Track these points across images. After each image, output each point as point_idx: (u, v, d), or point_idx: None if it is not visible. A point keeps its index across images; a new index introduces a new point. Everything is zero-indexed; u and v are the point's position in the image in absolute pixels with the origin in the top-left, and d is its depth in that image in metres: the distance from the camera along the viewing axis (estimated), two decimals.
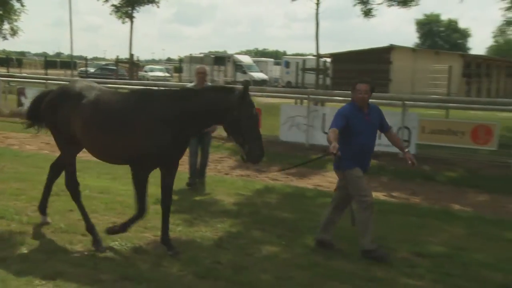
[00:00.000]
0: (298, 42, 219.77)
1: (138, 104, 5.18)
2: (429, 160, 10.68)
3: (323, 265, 5.18)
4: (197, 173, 8.33)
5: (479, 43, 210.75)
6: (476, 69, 38.61)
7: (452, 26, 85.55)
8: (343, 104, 5.73)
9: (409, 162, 5.40)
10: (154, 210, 6.02)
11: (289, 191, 8.60)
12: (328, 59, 39.15)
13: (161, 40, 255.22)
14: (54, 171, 6.12)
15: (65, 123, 5.46)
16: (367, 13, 18.38)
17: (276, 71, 47.32)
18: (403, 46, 40.90)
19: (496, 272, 5.16)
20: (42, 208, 6.08)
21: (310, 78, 26.07)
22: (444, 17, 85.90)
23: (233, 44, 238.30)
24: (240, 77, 40.56)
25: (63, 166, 5.91)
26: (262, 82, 38.66)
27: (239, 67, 43.10)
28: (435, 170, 10.19)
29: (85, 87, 5.56)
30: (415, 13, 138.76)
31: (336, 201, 5.66)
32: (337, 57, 39.94)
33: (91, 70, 40.92)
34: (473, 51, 74.52)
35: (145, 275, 4.72)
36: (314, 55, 31.05)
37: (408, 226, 6.65)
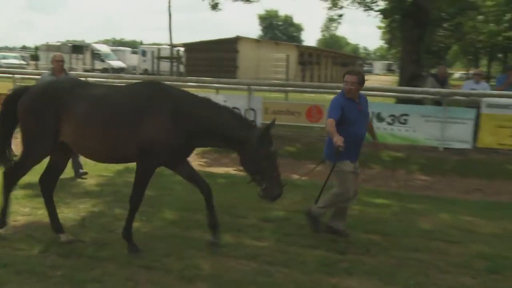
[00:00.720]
0: (154, 32, 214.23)
1: (158, 100, 4.48)
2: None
3: (181, 235, 5.19)
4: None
5: (311, 36, 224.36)
6: (308, 58, 41.05)
7: (288, 20, 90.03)
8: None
9: (378, 148, 5.91)
10: (12, 195, 5.52)
11: None
12: (182, 48, 38.90)
13: (15, 27, 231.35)
14: (47, 183, 4.97)
15: (53, 127, 4.49)
16: (214, 6, 18.47)
17: (133, 60, 45.61)
18: (248, 37, 42.00)
19: None
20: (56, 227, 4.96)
21: (165, 66, 25.76)
22: (282, 12, 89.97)
23: (91, 33, 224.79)
24: (98, 65, 38.64)
25: (57, 171, 4.98)
26: (120, 70, 37.16)
27: (97, 55, 40.88)
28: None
29: (76, 83, 4.71)
30: (257, 8, 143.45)
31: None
32: (190, 47, 39.84)
33: None
34: (306, 43, 79.14)
35: (3, 260, 4.33)
36: (168, 45, 30.60)
37: (255, 196, 6.85)
